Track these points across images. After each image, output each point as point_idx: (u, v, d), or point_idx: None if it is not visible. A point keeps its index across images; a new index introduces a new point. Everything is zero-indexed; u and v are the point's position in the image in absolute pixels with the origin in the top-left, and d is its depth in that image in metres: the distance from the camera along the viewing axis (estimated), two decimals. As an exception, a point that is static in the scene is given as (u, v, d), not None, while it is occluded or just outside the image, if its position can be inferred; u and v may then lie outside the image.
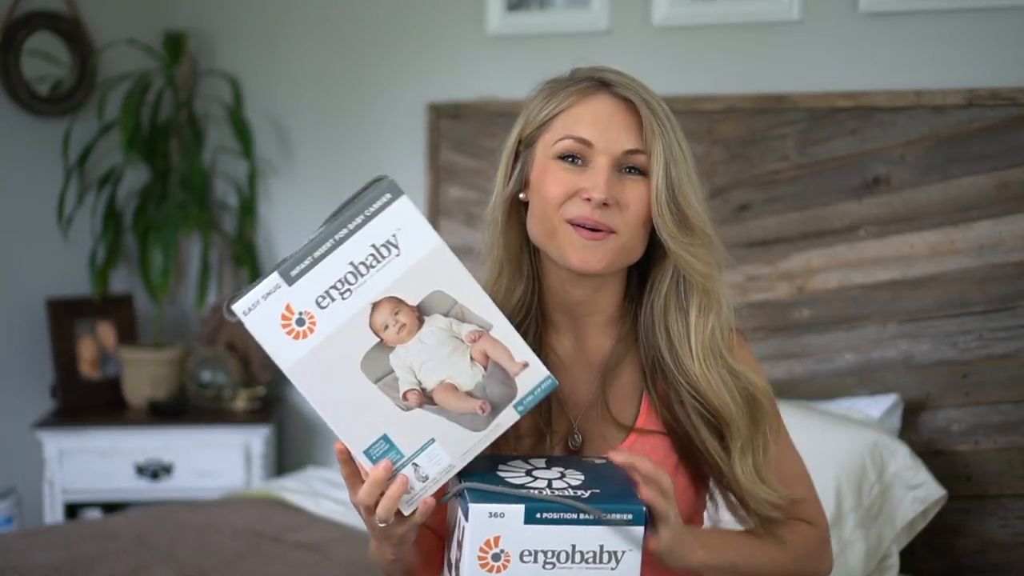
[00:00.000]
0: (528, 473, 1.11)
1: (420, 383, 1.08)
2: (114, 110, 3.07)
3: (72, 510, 3.10)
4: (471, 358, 1.08)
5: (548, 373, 1.11)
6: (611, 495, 1.07)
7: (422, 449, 1.09)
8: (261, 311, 1.05)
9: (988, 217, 2.31)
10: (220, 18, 3.33)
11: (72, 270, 3.19)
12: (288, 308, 1.04)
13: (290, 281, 1.04)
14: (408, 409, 1.08)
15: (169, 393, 3.15)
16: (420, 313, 1.06)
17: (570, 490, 1.07)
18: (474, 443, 1.10)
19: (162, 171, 3.21)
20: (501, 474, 1.10)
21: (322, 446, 3.30)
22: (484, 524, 1.04)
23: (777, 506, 1.26)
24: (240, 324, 1.06)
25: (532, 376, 1.10)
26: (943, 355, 2.37)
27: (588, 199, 1.20)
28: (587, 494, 1.06)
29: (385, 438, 1.08)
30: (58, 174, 3.10)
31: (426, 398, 1.08)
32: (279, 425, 3.29)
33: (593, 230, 1.20)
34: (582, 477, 1.10)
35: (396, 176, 3.58)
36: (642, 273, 1.31)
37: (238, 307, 1.05)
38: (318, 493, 2.64)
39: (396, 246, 1.05)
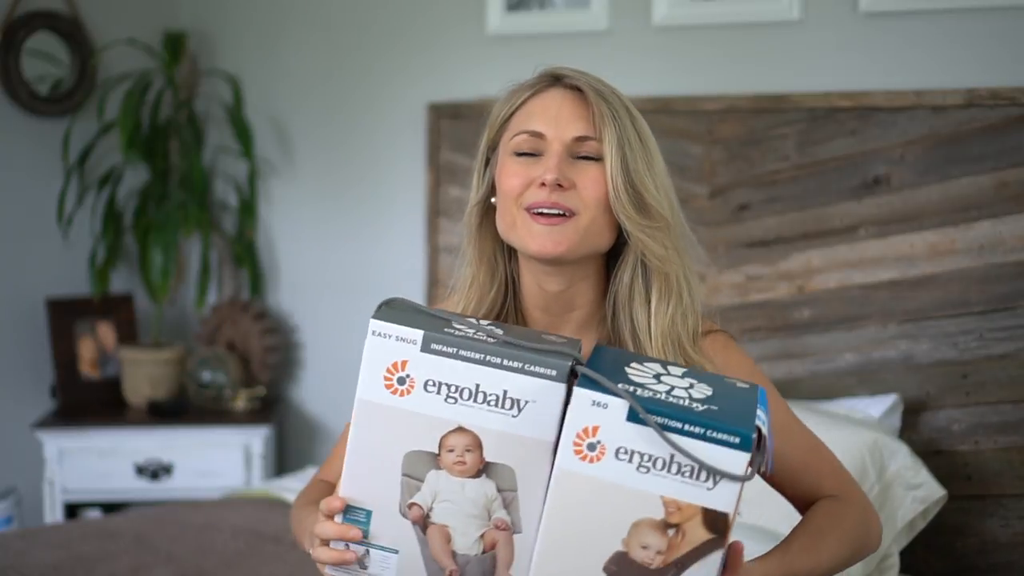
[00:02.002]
0: (656, 376, 1.07)
1: (430, 508, 1.08)
2: (114, 110, 3.08)
3: (72, 510, 3.10)
4: (482, 536, 1.08)
5: None
6: (725, 415, 1.01)
7: (383, 549, 1.10)
8: (384, 344, 1.06)
9: (988, 217, 2.32)
10: (220, 18, 3.33)
11: (72, 270, 3.19)
12: (403, 364, 1.05)
13: (425, 348, 1.05)
14: (403, 515, 1.09)
15: (169, 393, 3.16)
16: (483, 468, 1.06)
17: (687, 401, 1.02)
18: None
19: (162, 171, 3.21)
20: (628, 371, 1.07)
21: (322, 446, 3.30)
22: (585, 411, 1.01)
23: None
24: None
25: None
26: (943, 355, 2.38)
27: (543, 184, 1.22)
28: (702, 408, 1.02)
29: (368, 515, 1.09)
30: (58, 174, 3.10)
31: (422, 522, 1.09)
32: (279, 425, 3.29)
33: (551, 215, 1.22)
34: (709, 392, 1.06)
35: (397, 176, 3.56)
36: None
37: (375, 322, 1.06)
38: (318, 493, 2.63)
39: (520, 410, 1.04)
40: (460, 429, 1.05)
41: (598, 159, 1.24)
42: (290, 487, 2.68)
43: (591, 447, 1.01)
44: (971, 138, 2.33)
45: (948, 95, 2.34)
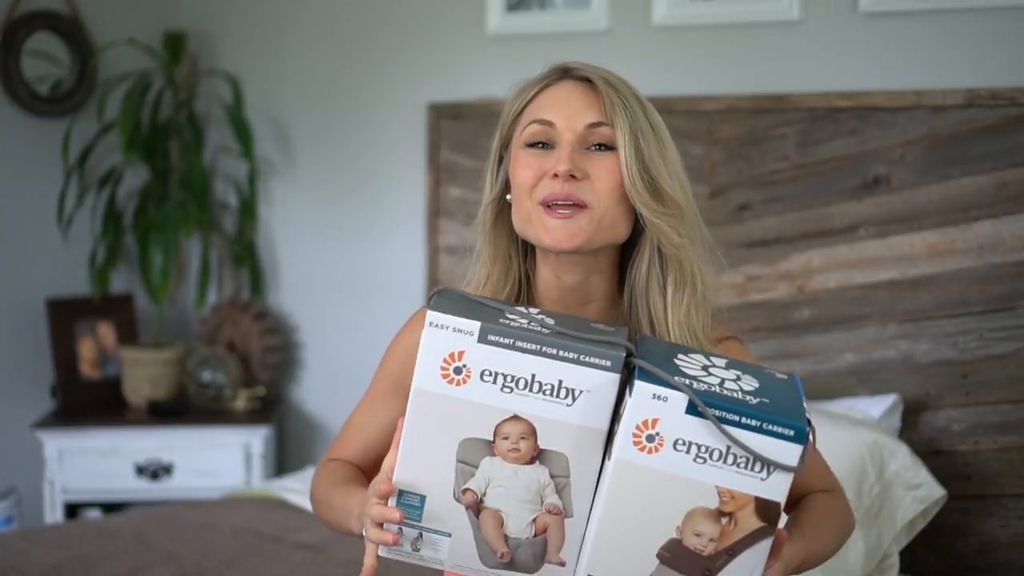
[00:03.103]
0: (705, 368, 1.10)
1: (483, 494, 1.11)
2: (114, 110, 3.08)
3: (72, 510, 3.10)
4: (533, 520, 1.11)
5: None
6: (778, 407, 1.05)
7: (436, 532, 1.12)
8: (441, 335, 1.07)
9: (988, 217, 2.32)
10: (221, 18, 3.33)
11: (72, 270, 3.19)
12: (460, 354, 1.07)
13: (482, 339, 1.07)
14: (457, 500, 1.11)
15: (169, 393, 3.16)
16: (537, 455, 1.09)
17: (740, 394, 1.06)
18: (472, 568, 1.13)
19: (162, 171, 3.21)
20: (678, 363, 1.10)
21: (322, 446, 3.30)
22: (646, 404, 1.04)
23: None
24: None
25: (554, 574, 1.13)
26: (943, 355, 2.38)
27: (556, 175, 1.23)
28: (755, 401, 1.05)
29: (422, 499, 1.11)
30: (58, 174, 3.10)
31: (476, 507, 1.11)
32: (279, 425, 3.29)
33: (565, 208, 1.23)
34: (756, 384, 1.09)
35: (397, 176, 3.55)
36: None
37: (432, 314, 1.08)
38: (318, 493, 2.63)
39: (574, 399, 1.07)
40: (515, 417, 1.08)
41: (611, 148, 1.25)
42: (290, 487, 2.68)
43: (650, 438, 1.04)
44: (971, 138, 2.33)
45: (948, 95, 2.34)
